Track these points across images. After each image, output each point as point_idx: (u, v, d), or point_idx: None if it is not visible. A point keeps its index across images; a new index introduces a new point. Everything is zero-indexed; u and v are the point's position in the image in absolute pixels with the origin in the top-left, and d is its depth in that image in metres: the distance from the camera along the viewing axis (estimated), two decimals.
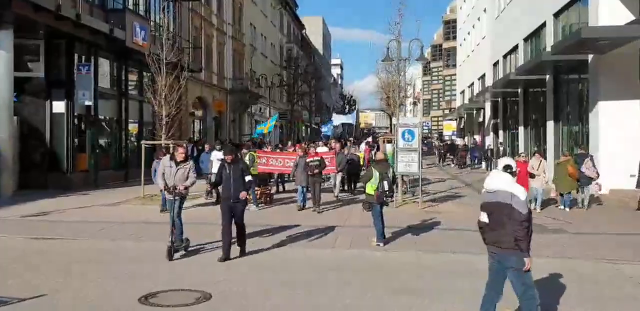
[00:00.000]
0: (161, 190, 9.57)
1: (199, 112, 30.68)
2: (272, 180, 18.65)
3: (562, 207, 13.90)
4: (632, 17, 14.53)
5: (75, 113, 18.20)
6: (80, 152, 18.61)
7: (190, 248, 8.79)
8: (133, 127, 22.70)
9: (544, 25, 20.84)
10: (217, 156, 14.26)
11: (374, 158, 17.92)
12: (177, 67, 16.32)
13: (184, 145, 13.52)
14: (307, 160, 13.59)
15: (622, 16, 14.88)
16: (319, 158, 13.71)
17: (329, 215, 13.10)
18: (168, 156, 9.26)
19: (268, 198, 14.96)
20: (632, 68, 13.79)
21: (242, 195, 8.35)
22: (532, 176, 13.45)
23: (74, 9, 16.52)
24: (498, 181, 5.20)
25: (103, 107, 19.97)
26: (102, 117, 20.46)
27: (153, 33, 21.44)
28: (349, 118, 29.82)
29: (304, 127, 62.99)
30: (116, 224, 11.23)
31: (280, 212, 13.53)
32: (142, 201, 14.41)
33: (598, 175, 13.74)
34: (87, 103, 18.12)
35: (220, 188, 9.17)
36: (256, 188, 13.93)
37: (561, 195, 13.98)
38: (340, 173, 16.48)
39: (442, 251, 9.08)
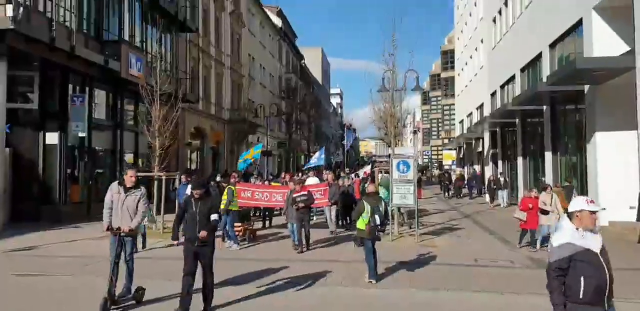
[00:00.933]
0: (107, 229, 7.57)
1: (196, 142, 30.57)
2: (257, 214, 18.26)
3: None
4: (627, 48, 14.51)
5: (69, 145, 18.05)
6: (73, 183, 18.39)
7: (148, 298, 7.52)
8: (129, 158, 22.54)
9: (540, 55, 20.89)
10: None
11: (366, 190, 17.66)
12: (172, 98, 16.26)
13: (135, 167, 13.21)
14: (294, 195, 12.81)
15: (617, 47, 14.88)
16: (306, 192, 13.02)
17: (320, 252, 12.37)
18: (116, 181, 7.93)
19: (252, 235, 14.07)
20: (628, 98, 13.68)
21: (202, 235, 6.99)
22: (545, 212, 12.54)
23: (69, 40, 16.55)
24: None
25: (97, 138, 19.83)
26: (97, 148, 20.31)
27: (149, 64, 21.47)
28: (318, 160, 25.70)
29: (303, 156, 62.92)
30: (103, 259, 10.90)
31: (264, 250, 12.75)
32: None
33: None
34: (81, 134, 17.96)
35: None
36: (238, 224, 13.37)
37: None
38: (334, 206, 15.78)
39: (437, 289, 8.75)
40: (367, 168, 22.95)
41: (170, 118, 15.70)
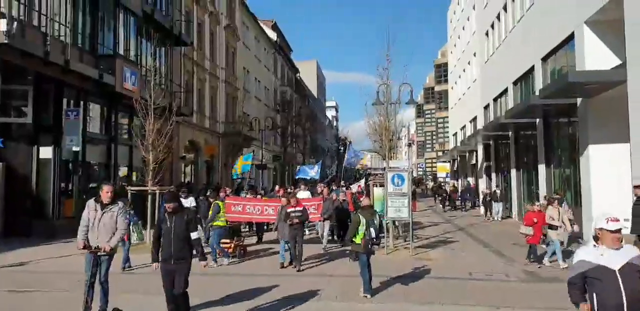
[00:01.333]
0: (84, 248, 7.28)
1: (190, 156, 30.53)
2: (248, 229, 18.05)
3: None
4: (618, 61, 14.64)
5: (63, 159, 17.99)
6: (67, 198, 18.29)
7: None
8: (123, 172, 22.47)
9: (532, 69, 21.03)
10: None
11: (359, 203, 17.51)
12: (166, 111, 16.27)
13: (110, 182, 12.81)
14: (288, 210, 12.10)
15: (609, 60, 15.00)
16: (301, 208, 12.25)
17: (313, 268, 11.97)
18: (93, 198, 7.50)
19: (242, 251, 13.64)
20: (621, 111, 13.76)
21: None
22: (554, 227, 12.41)
23: (63, 55, 16.59)
24: None
25: (92, 152, 19.79)
26: (91, 162, 20.24)
27: (144, 78, 21.52)
28: (307, 173, 24.67)
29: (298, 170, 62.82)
30: None
31: (255, 265, 12.42)
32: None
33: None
34: (75, 148, 17.92)
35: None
36: (227, 240, 13.02)
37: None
38: (327, 221, 15.31)
39: (431, 303, 8.71)
40: (362, 182, 22.89)
41: (165, 132, 15.68)
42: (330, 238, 15.97)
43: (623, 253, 4.28)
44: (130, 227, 11.87)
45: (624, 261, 4.24)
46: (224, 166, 34.80)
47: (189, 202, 13.90)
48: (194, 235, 6.87)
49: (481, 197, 30.25)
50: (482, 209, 27.54)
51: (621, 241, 4.36)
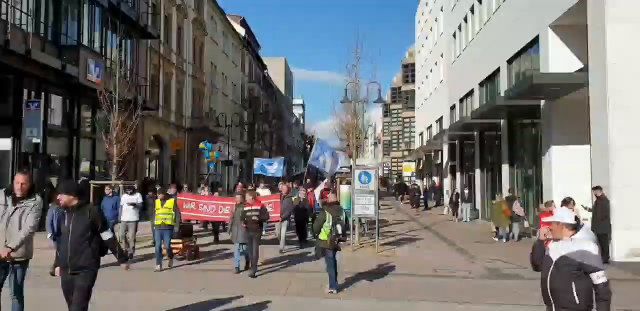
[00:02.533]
0: None
1: (155, 151, 30.05)
2: (202, 229, 17.45)
3: (496, 240, 16.74)
4: (580, 65, 15.03)
5: (22, 151, 17.45)
6: None
7: None
8: (85, 166, 21.95)
9: (498, 70, 21.42)
10: (127, 200, 12.62)
11: (316, 200, 17.12)
12: (132, 105, 15.95)
13: (24, 170, 11.74)
14: (245, 209, 10.73)
15: (571, 63, 15.39)
16: (259, 207, 10.80)
17: (274, 268, 11.37)
18: (3, 189, 6.10)
19: (193, 252, 12.56)
20: (582, 113, 14.13)
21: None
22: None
23: (24, 44, 16.07)
24: None
25: (53, 145, 19.25)
26: (52, 155, 19.71)
27: (109, 70, 21.05)
28: (265, 169, 22.16)
29: None
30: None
31: (207, 268, 11.41)
32: None
33: (525, 213, 16.91)
34: (35, 140, 17.41)
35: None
36: (178, 240, 12.01)
37: (496, 228, 17.07)
38: (285, 222, 14.30)
39: (397, 299, 8.77)
40: (328, 180, 22.67)
41: (129, 126, 15.38)
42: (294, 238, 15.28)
43: (566, 246, 4.52)
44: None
45: (561, 253, 4.50)
46: (189, 161, 34.38)
47: (135, 199, 12.72)
48: (105, 236, 5.60)
49: (446, 197, 30.60)
50: (446, 209, 27.34)
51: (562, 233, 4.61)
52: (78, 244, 5.42)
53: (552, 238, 4.66)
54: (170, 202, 11.32)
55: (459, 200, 24.53)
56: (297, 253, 13.71)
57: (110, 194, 13.66)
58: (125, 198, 12.74)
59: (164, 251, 11.36)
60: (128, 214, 12.62)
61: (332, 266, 9.10)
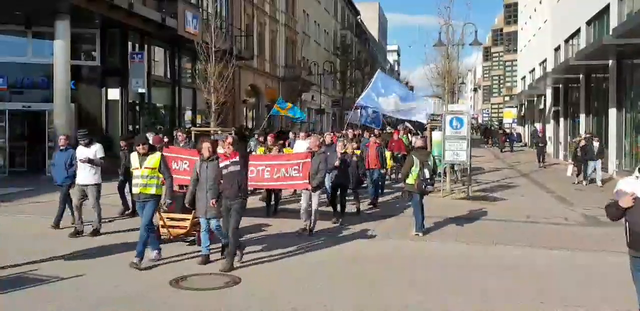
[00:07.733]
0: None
1: (251, 100, 30.96)
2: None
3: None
4: None
5: (130, 101, 18.72)
6: None
7: None
8: (188, 115, 23.19)
9: (607, 8, 19.70)
10: (81, 155, 8.87)
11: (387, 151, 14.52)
12: (227, 55, 16.43)
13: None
14: (221, 165, 7.13)
15: None
16: (236, 159, 7.07)
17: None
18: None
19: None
20: None
21: None
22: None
23: None
24: None
25: (157, 95, 20.46)
26: (157, 104, 20.96)
27: (205, 21, 21.66)
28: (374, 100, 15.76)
29: None
30: None
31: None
32: None
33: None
34: (140, 90, 18.61)
35: None
36: (185, 216, 8.29)
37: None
38: (318, 190, 9.23)
39: (482, 243, 8.77)
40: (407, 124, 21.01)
41: (226, 75, 15.91)
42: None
43: None
44: None
45: None
46: None
47: (92, 152, 8.94)
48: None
49: (565, 150, 25.67)
50: (570, 170, 18.07)
51: None
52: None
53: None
54: (154, 159, 7.35)
55: (586, 155, 16.78)
56: (331, 238, 9.00)
57: (64, 147, 9.42)
58: (80, 152, 9.00)
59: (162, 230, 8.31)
60: (83, 174, 8.97)
61: (419, 210, 9.22)
